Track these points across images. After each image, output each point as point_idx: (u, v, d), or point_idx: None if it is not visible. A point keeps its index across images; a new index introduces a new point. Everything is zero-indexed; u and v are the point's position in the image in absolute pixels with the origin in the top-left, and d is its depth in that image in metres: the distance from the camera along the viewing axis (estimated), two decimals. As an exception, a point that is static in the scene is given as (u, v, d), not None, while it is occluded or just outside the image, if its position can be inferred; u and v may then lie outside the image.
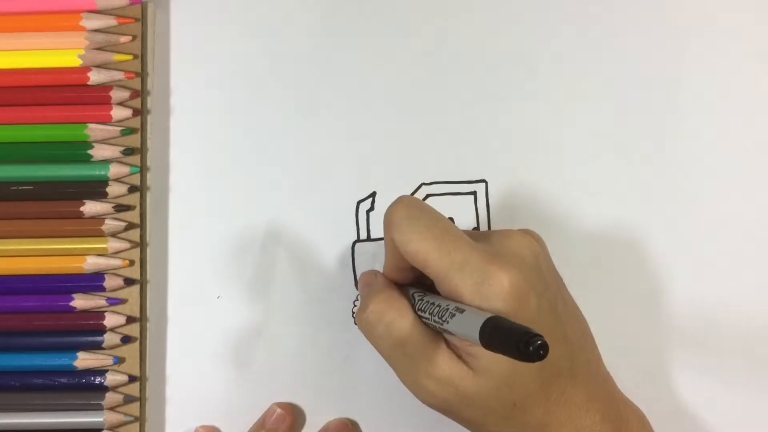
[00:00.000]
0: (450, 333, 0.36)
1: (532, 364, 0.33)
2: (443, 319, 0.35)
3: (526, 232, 0.39)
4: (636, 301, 0.45)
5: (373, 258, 0.45)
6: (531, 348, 0.30)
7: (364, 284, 0.42)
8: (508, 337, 0.31)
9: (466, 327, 0.34)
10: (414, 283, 0.40)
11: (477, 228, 0.46)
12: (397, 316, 0.37)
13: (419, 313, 0.38)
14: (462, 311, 0.35)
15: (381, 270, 0.42)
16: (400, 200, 0.39)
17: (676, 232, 0.46)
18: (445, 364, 0.37)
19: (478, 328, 0.32)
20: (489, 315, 0.33)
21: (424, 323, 0.37)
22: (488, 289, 0.35)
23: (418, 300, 0.38)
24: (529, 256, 0.37)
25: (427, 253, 0.37)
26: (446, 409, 0.38)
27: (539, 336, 0.30)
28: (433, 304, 0.37)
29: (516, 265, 0.36)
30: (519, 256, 0.37)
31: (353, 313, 0.45)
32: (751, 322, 0.45)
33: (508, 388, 0.36)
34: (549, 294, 0.37)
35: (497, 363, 0.35)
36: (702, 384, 0.45)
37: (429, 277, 0.38)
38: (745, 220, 0.46)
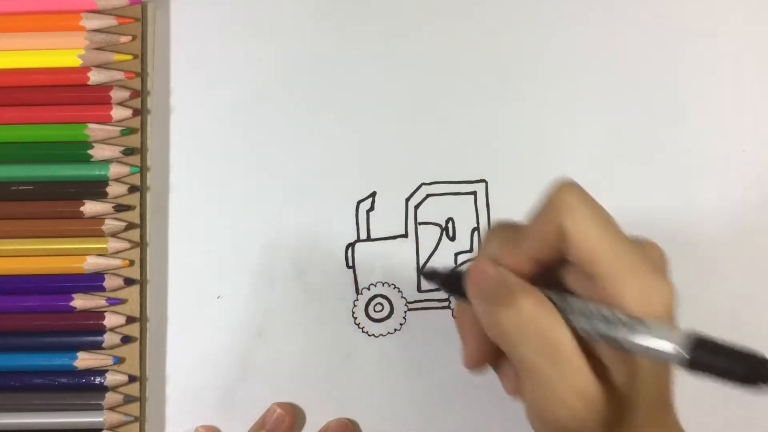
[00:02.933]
0: (617, 344, 0.31)
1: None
2: (612, 331, 0.31)
3: (657, 244, 0.35)
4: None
5: (374, 258, 0.45)
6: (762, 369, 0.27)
7: (489, 279, 0.34)
8: (731, 358, 0.28)
9: (655, 343, 0.30)
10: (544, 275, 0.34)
11: (477, 228, 0.46)
12: (553, 322, 0.32)
13: (567, 316, 0.32)
14: (643, 323, 0.30)
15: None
16: (573, 185, 0.34)
17: (676, 231, 0.46)
18: (595, 381, 0.32)
19: (679, 344, 0.29)
20: (693, 331, 0.29)
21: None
22: (656, 298, 0.32)
23: (561, 301, 0.33)
24: (669, 270, 0.34)
25: (603, 248, 0.32)
26: (581, 428, 0.33)
27: (766, 359, 0.27)
28: (590, 310, 0.32)
29: (669, 278, 0.33)
30: (667, 268, 0.34)
31: (353, 313, 0.45)
32: (751, 323, 0.45)
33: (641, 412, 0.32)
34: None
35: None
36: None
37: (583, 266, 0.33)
38: (746, 220, 0.46)
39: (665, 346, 0.29)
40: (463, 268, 0.36)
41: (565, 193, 0.33)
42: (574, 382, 0.32)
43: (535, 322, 0.32)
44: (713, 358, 0.28)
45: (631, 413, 0.32)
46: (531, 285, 0.33)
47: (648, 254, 0.34)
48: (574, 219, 0.32)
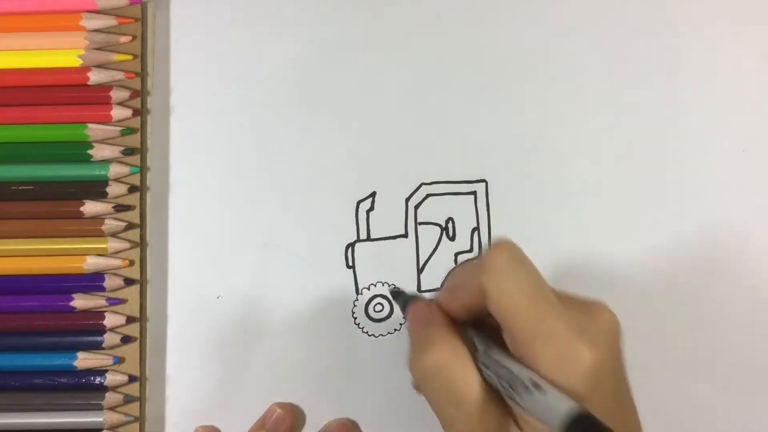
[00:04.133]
0: (517, 404, 0.32)
1: None
2: (515, 388, 0.32)
3: (611, 311, 0.35)
4: (637, 299, 0.45)
5: (374, 258, 0.45)
6: None
7: (419, 320, 0.36)
8: None
9: (545, 409, 0.30)
10: (470, 324, 0.36)
11: (477, 228, 0.46)
12: (462, 374, 0.33)
13: (481, 366, 0.34)
14: (540, 388, 0.31)
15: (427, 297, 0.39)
16: (505, 246, 0.34)
17: (676, 231, 0.46)
18: (501, 429, 0.33)
19: (562, 417, 0.29)
20: (578, 407, 0.29)
21: (484, 379, 0.34)
22: (570, 365, 0.32)
23: (482, 351, 0.34)
24: (612, 335, 0.34)
25: (519, 312, 0.33)
26: None
27: None
28: (502, 366, 0.33)
29: (602, 346, 0.33)
30: (606, 336, 0.34)
31: (353, 313, 0.45)
32: (753, 322, 0.45)
33: None
34: (621, 377, 0.35)
35: None
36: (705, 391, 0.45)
37: (490, 319, 0.34)
38: (746, 220, 0.46)
39: (546, 414, 0.30)
40: (425, 296, 0.39)
41: (493, 254, 0.34)
42: (476, 429, 0.33)
43: (444, 371, 0.33)
44: None
45: None
46: (452, 333, 0.34)
47: (582, 319, 0.34)
48: (496, 280, 0.33)
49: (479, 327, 0.35)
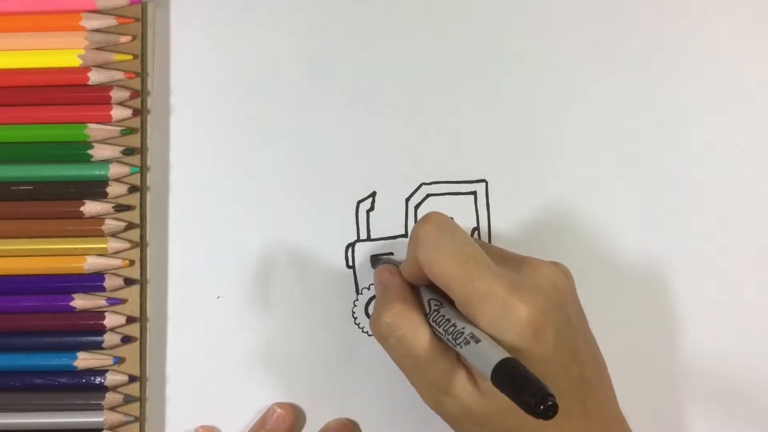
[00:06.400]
0: (461, 356, 0.36)
1: None
2: (457, 341, 0.35)
3: (556, 266, 0.38)
4: (636, 298, 0.45)
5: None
6: (542, 406, 0.29)
7: (380, 283, 0.41)
8: (519, 385, 0.30)
9: (480, 359, 0.33)
10: (431, 286, 0.39)
11: (477, 228, 0.46)
12: (411, 330, 0.37)
13: (432, 324, 0.37)
14: (478, 341, 0.34)
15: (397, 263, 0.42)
16: (430, 218, 0.38)
17: (676, 231, 0.46)
18: (453, 380, 0.36)
19: (492, 365, 0.32)
20: (505, 355, 0.32)
21: (437, 335, 0.37)
22: (506, 322, 0.35)
23: (434, 311, 0.38)
24: (553, 291, 0.37)
25: (450, 278, 0.36)
26: (451, 420, 0.38)
27: (552, 396, 0.29)
28: (448, 321, 0.36)
29: (538, 299, 0.35)
30: (543, 290, 0.36)
31: (353, 313, 0.45)
32: (753, 322, 0.45)
33: (512, 416, 0.35)
34: (569, 332, 0.37)
35: None
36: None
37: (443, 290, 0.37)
38: (746, 221, 0.46)
39: (481, 363, 0.33)
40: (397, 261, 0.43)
41: (419, 229, 0.38)
42: (435, 382, 0.37)
43: (396, 328, 0.38)
44: (510, 384, 0.31)
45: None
46: (405, 294, 0.39)
47: (519, 276, 0.37)
48: (426, 252, 0.37)
49: (438, 290, 0.38)
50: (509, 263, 0.38)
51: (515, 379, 0.31)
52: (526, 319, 0.35)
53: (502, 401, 0.34)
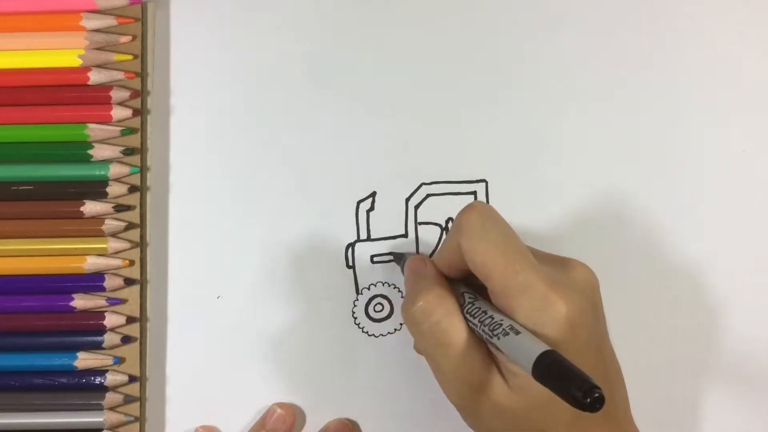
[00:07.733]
0: (497, 348, 0.35)
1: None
2: (495, 333, 0.35)
3: (588, 267, 0.38)
4: (636, 298, 0.45)
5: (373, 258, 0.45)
6: (588, 399, 0.29)
7: (413, 273, 0.41)
8: (565, 379, 0.30)
9: (519, 351, 0.33)
10: (463, 280, 0.39)
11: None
12: (446, 318, 0.37)
13: (467, 315, 0.37)
14: (518, 333, 0.34)
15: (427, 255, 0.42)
16: (475, 207, 0.38)
17: (676, 231, 0.46)
18: (483, 373, 0.36)
19: (533, 357, 0.31)
20: (547, 348, 0.32)
21: (470, 327, 0.37)
22: (545, 315, 0.35)
23: (468, 303, 0.37)
24: (588, 289, 0.37)
25: (492, 267, 0.36)
26: (473, 416, 0.38)
27: (598, 389, 0.29)
28: (485, 313, 0.36)
29: (575, 297, 0.35)
30: (579, 287, 0.37)
31: (353, 313, 0.45)
32: (754, 322, 0.45)
33: (540, 414, 0.35)
34: (598, 330, 0.37)
35: (536, 387, 0.33)
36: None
37: (481, 280, 0.37)
38: (746, 221, 0.46)
39: (520, 355, 0.33)
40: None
41: (464, 216, 0.37)
42: (463, 374, 0.36)
43: (431, 315, 0.37)
44: (554, 377, 0.31)
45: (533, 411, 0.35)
46: (440, 283, 0.38)
47: (557, 274, 0.37)
48: (470, 240, 0.37)
49: (471, 284, 0.38)
50: (545, 260, 0.38)
51: (560, 372, 0.31)
52: (564, 315, 0.34)
53: (532, 398, 0.34)
